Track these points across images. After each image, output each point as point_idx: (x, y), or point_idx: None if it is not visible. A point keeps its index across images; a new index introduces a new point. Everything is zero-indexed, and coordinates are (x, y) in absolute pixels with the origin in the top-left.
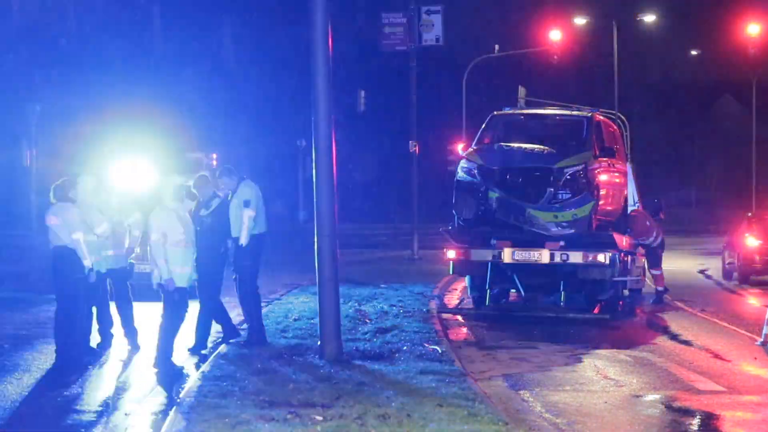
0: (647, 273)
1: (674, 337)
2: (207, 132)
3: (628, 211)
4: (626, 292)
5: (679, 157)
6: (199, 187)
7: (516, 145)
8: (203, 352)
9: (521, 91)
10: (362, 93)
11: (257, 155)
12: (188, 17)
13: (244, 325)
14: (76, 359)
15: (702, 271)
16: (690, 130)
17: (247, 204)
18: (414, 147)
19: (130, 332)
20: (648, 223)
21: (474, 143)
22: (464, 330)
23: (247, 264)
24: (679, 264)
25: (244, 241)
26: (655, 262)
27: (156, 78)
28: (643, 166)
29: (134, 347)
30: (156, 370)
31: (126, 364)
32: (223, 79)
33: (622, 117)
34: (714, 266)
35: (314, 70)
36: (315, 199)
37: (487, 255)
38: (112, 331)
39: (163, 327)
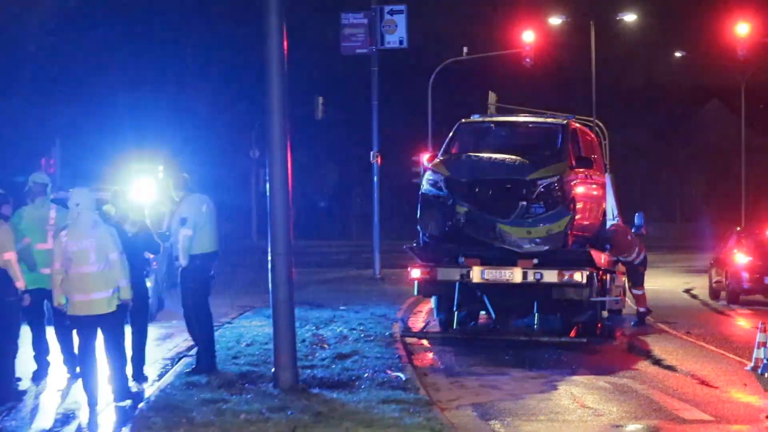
0: (628, 293)
1: (657, 361)
2: (154, 141)
3: (607, 226)
4: (605, 314)
5: (663, 167)
6: (115, 202)
7: (486, 155)
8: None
9: (491, 96)
10: (320, 100)
11: (208, 166)
12: (141, 23)
13: (194, 351)
14: (10, 387)
15: (687, 291)
16: (674, 137)
17: (183, 222)
18: (376, 158)
19: (69, 359)
20: (629, 238)
21: (440, 153)
22: (430, 355)
23: (191, 286)
24: (663, 283)
25: (183, 261)
26: (636, 280)
27: (103, 85)
28: (623, 177)
29: (73, 376)
30: (118, 404)
31: (65, 394)
32: (172, 85)
33: (601, 124)
34: (700, 285)
35: (268, 75)
36: (269, 214)
37: (454, 274)
38: (49, 358)
39: (118, 351)
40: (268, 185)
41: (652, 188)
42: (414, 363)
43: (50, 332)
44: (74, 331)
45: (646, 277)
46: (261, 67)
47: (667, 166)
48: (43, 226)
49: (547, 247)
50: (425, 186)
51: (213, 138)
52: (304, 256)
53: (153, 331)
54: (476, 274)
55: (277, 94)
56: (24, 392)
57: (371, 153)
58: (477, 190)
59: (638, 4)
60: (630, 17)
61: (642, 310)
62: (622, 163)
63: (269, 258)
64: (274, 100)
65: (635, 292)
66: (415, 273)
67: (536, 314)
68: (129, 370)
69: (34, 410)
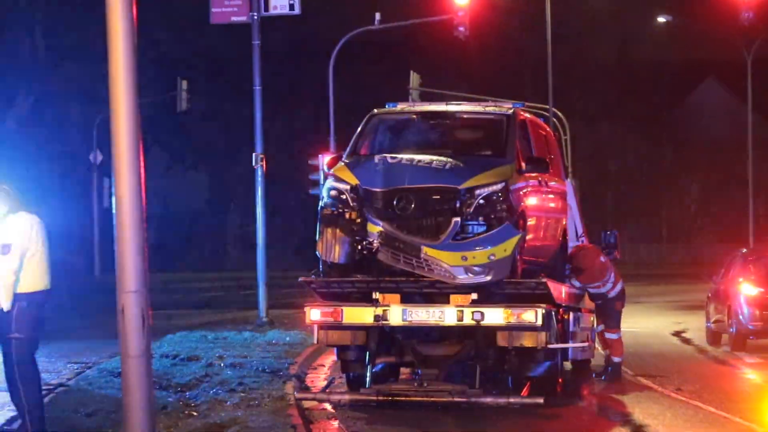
0: (599, 337)
1: (638, 428)
2: None
3: (569, 248)
4: (568, 365)
5: (643, 169)
6: None
7: (406, 156)
8: None
9: (414, 78)
10: (184, 84)
11: (33, 174)
12: None
13: (17, 423)
14: None
15: (678, 333)
16: (658, 130)
17: (6, 250)
18: (260, 162)
19: None
20: (601, 260)
21: (345, 155)
22: (335, 424)
23: (14, 336)
24: (646, 323)
25: (4, 304)
26: (611, 321)
27: None
28: (590, 184)
29: None
30: None
31: None
32: None
33: (560, 114)
34: (695, 326)
35: (112, 53)
36: (116, 240)
37: (366, 315)
38: None
39: None
40: (114, 199)
41: (629, 198)
42: None
43: None
44: None
45: (623, 316)
46: (103, 43)
47: (648, 169)
48: None
49: (489, 278)
50: (326, 199)
51: (39, 137)
52: (165, 294)
53: None
54: (395, 314)
55: (126, 79)
56: None
57: (253, 155)
58: (395, 203)
59: None
60: None
61: (617, 359)
62: (588, 165)
63: (117, 297)
64: (120, 86)
65: (609, 336)
66: (315, 314)
67: (476, 367)
68: None
69: None
